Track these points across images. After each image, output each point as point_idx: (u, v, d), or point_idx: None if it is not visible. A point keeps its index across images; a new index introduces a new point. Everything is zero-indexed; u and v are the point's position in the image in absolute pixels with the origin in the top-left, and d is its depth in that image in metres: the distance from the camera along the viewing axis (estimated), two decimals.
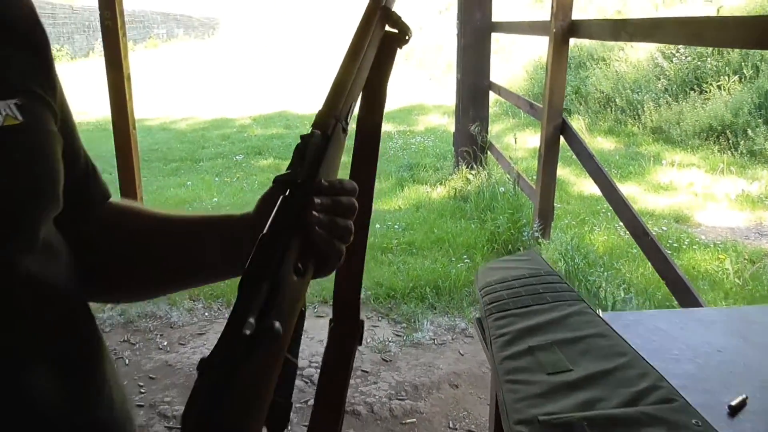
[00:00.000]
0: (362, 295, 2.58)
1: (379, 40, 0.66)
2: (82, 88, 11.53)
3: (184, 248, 0.73)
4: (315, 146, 0.55)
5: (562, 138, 3.76)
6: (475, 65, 5.72)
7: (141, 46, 32.09)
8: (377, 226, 4.87)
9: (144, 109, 11.98)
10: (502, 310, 1.55)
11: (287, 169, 0.53)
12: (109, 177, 4.98)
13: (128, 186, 3.58)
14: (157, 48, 34.02)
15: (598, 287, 3.31)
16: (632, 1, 10.48)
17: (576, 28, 3.47)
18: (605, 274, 3.55)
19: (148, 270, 0.74)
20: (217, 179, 6.58)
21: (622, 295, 3.27)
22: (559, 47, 3.56)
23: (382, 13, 0.66)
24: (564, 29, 3.50)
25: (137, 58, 25.57)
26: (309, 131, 0.56)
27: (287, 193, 0.52)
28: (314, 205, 0.52)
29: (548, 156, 3.79)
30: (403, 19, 0.68)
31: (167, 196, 5.83)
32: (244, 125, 10.02)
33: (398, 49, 0.69)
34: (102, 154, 5.96)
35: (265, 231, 0.48)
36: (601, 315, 1.44)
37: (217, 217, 0.73)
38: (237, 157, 7.55)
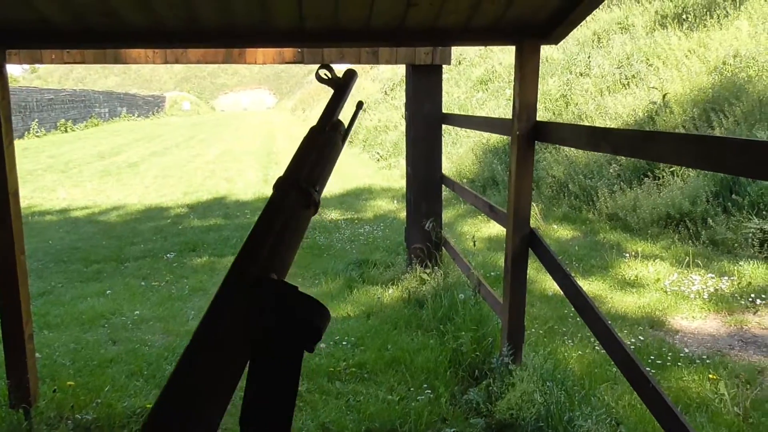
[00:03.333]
0: None
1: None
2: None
3: None
4: None
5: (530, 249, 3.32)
6: (426, 158, 5.35)
7: (81, 125, 31.25)
8: (323, 345, 4.26)
9: (73, 196, 11.19)
10: None
11: None
12: None
13: (13, 325, 2.89)
14: (97, 126, 33.21)
15: None
16: (576, 86, 10.58)
17: (543, 132, 3.09)
18: (590, 410, 3.03)
19: None
20: (143, 283, 5.86)
21: None
22: (524, 151, 3.17)
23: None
24: (528, 131, 3.12)
25: (75, 138, 24.72)
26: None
27: None
28: None
29: (516, 270, 3.33)
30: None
31: (81, 309, 5.07)
32: (180, 215, 9.35)
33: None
34: None
35: None
36: None
37: None
38: (168, 255, 6.86)
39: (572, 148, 8.64)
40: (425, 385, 3.56)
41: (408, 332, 4.43)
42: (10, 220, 2.78)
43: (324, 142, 0.62)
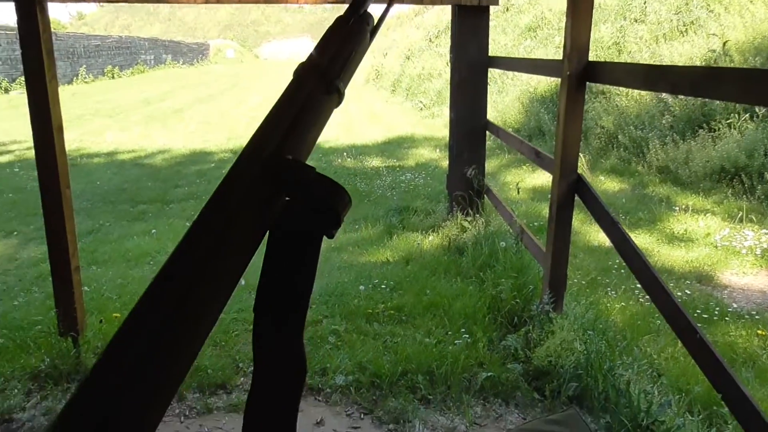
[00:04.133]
0: (342, 383, 2.53)
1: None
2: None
3: None
4: None
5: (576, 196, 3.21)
6: (471, 103, 5.20)
7: (127, 71, 31.66)
8: (361, 287, 4.28)
9: (120, 140, 11.40)
10: None
11: None
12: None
13: (59, 255, 2.96)
14: (143, 73, 33.59)
15: (627, 383, 2.72)
16: (630, 33, 10.09)
17: (595, 72, 2.93)
18: (631, 360, 2.97)
19: None
20: (186, 224, 5.95)
21: (656, 394, 2.68)
22: (574, 93, 3.02)
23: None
24: (579, 72, 2.97)
25: (122, 84, 25.10)
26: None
27: None
28: None
29: (561, 217, 3.23)
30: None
31: (128, 247, 5.21)
32: (223, 159, 9.43)
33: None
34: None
35: None
36: None
37: None
38: None
39: (624, 98, 8.30)
40: (463, 330, 3.54)
41: (447, 279, 4.40)
42: (55, 153, 2.81)
43: (350, 32, 0.56)
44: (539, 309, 3.37)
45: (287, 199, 0.50)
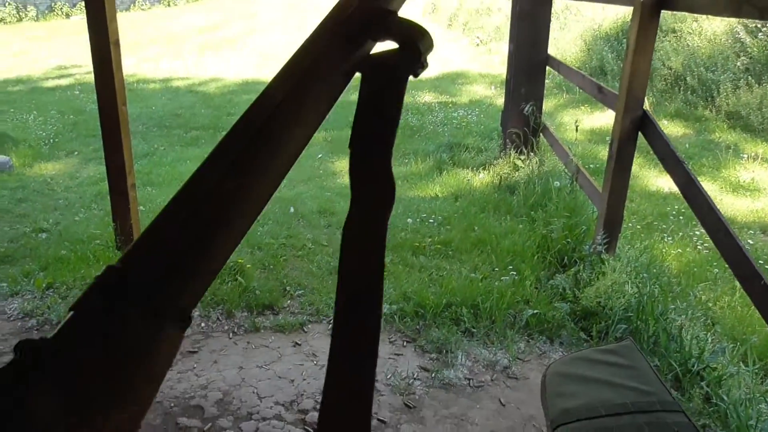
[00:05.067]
0: (386, 311, 2.43)
1: None
2: None
3: None
4: None
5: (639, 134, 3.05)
6: (532, 36, 4.96)
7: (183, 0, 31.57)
8: (409, 220, 4.26)
9: (174, 67, 11.48)
10: None
11: None
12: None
13: (117, 172, 3.02)
14: (198, 2, 33.47)
15: (680, 328, 2.65)
16: None
17: None
18: (685, 306, 2.88)
19: None
20: None
21: (709, 341, 2.60)
22: (647, 22, 2.82)
23: None
24: None
25: (178, 13, 25.15)
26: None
27: None
28: None
29: (622, 155, 3.09)
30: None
31: (181, 171, 5.31)
32: None
33: None
34: None
35: None
36: None
37: None
38: None
39: (696, 38, 7.80)
40: (510, 267, 3.50)
41: (496, 216, 4.33)
42: (112, 69, 2.83)
43: None
44: (591, 250, 3.28)
45: (374, 42, 0.54)
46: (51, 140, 6.47)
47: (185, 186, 0.46)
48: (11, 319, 3.08)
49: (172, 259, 0.43)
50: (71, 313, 0.41)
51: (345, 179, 5.57)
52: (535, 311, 3.04)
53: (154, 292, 0.42)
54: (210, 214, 0.45)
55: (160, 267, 0.42)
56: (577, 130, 5.06)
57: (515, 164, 5.10)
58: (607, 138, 4.32)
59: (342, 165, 5.90)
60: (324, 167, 5.82)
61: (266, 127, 0.47)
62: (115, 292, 0.41)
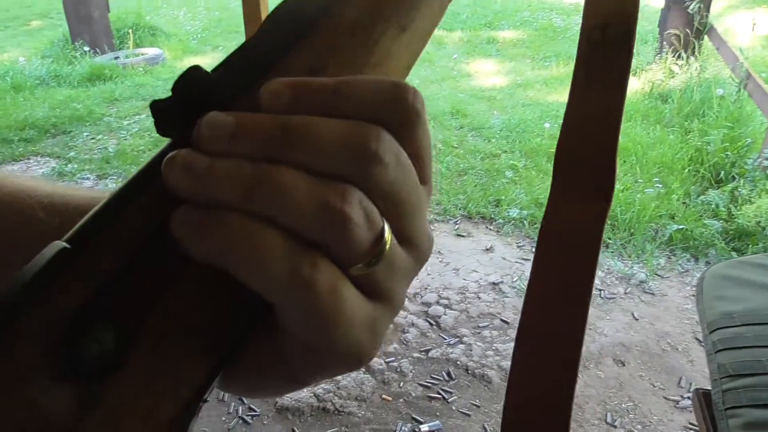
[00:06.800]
0: (516, 216, 2.60)
1: None
2: None
3: None
4: None
5: None
6: None
7: None
8: (546, 125, 4.04)
9: None
10: (757, 388, 0.84)
11: None
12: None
13: None
14: None
15: None
16: None
17: None
18: None
19: None
20: None
21: None
22: None
23: None
24: None
25: None
26: None
27: None
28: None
29: None
30: None
31: None
32: None
33: None
34: None
35: None
36: None
37: None
38: None
39: None
40: (656, 180, 3.23)
41: (644, 125, 3.98)
42: None
43: None
44: (756, 164, 2.93)
45: None
46: (198, 35, 6.78)
47: None
48: None
49: None
50: None
51: (480, 81, 5.36)
52: (681, 226, 2.81)
53: None
54: None
55: None
56: (753, 28, 4.42)
57: (671, 70, 4.61)
58: None
59: (477, 66, 5.66)
60: (458, 68, 5.62)
61: None
62: None
